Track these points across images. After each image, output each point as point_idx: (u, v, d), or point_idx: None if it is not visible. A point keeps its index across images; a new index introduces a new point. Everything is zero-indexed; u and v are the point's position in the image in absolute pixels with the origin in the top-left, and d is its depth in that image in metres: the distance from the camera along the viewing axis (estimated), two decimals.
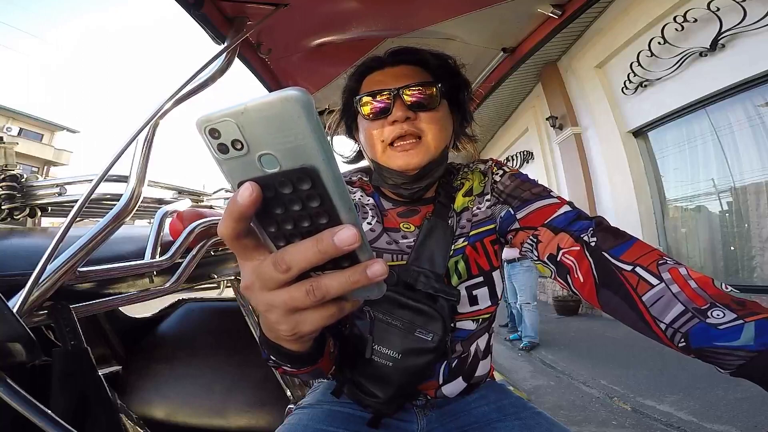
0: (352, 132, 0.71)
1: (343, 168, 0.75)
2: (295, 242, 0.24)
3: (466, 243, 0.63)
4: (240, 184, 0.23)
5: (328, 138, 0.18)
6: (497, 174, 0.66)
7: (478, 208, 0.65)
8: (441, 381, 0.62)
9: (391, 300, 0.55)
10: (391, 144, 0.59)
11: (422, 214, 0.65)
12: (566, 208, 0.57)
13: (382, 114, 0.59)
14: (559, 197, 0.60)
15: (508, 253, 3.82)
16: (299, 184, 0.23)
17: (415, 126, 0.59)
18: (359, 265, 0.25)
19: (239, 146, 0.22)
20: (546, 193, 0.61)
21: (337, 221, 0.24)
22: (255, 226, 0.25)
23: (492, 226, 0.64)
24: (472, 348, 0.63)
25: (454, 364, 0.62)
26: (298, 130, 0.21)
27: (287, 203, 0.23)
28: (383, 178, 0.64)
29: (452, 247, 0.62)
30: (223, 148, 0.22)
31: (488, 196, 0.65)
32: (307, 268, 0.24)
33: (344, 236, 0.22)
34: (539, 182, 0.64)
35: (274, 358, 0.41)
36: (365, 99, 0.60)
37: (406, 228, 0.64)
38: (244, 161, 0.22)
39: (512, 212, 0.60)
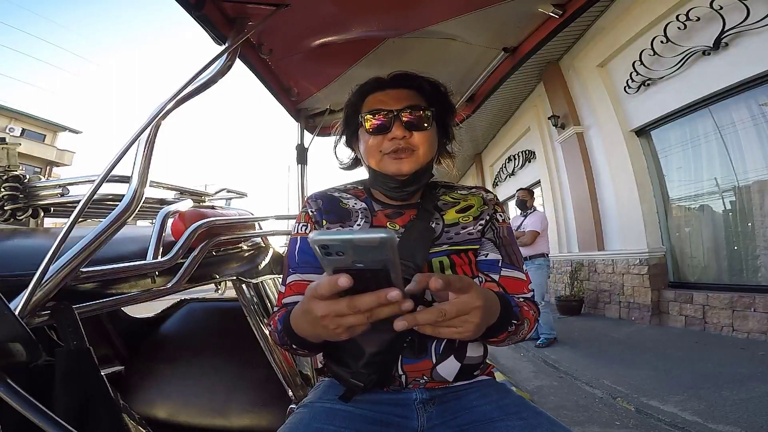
0: (351, 142, 0.79)
1: (343, 179, 0.85)
2: (360, 294, 0.41)
3: (450, 248, 0.69)
4: (335, 270, 0.39)
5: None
6: (499, 214, 0.76)
7: (472, 228, 0.73)
8: (434, 360, 0.65)
9: None
10: (388, 154, 0.69)
11: (407, 216, 0.73)
12: (530, 288, 0.73)
13: (382, 130, 0.69)
14: (527, 274, 0.74)
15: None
16: (377, 274, 0.39)
17: (409, 142, 0.69)
18: (391, 302, 0.41)
19: (341, 254, 0.37)
20: (522, 262, 0.75)
21: (390, 284, 0.40)
22: None
23: (477, 246, 0.72)
24: None
25: (443, 343, 0.66)
26: (384, 255, 0.37)
27: (364, 279, 0.39)
28: (378, 182, 0.74)
29: (434, 247, 0.68)
30: (327, 254, 0.37)
31: (485, 226, 0.73)
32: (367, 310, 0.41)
33: (394, 295, 0.40)
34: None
35: (295, 346, 0.60)
36: (368, 116, 0.70)
37: (392, 227, 0.72)
38: (341, 260, 0.38)
39: (499, 265, 0.71)
